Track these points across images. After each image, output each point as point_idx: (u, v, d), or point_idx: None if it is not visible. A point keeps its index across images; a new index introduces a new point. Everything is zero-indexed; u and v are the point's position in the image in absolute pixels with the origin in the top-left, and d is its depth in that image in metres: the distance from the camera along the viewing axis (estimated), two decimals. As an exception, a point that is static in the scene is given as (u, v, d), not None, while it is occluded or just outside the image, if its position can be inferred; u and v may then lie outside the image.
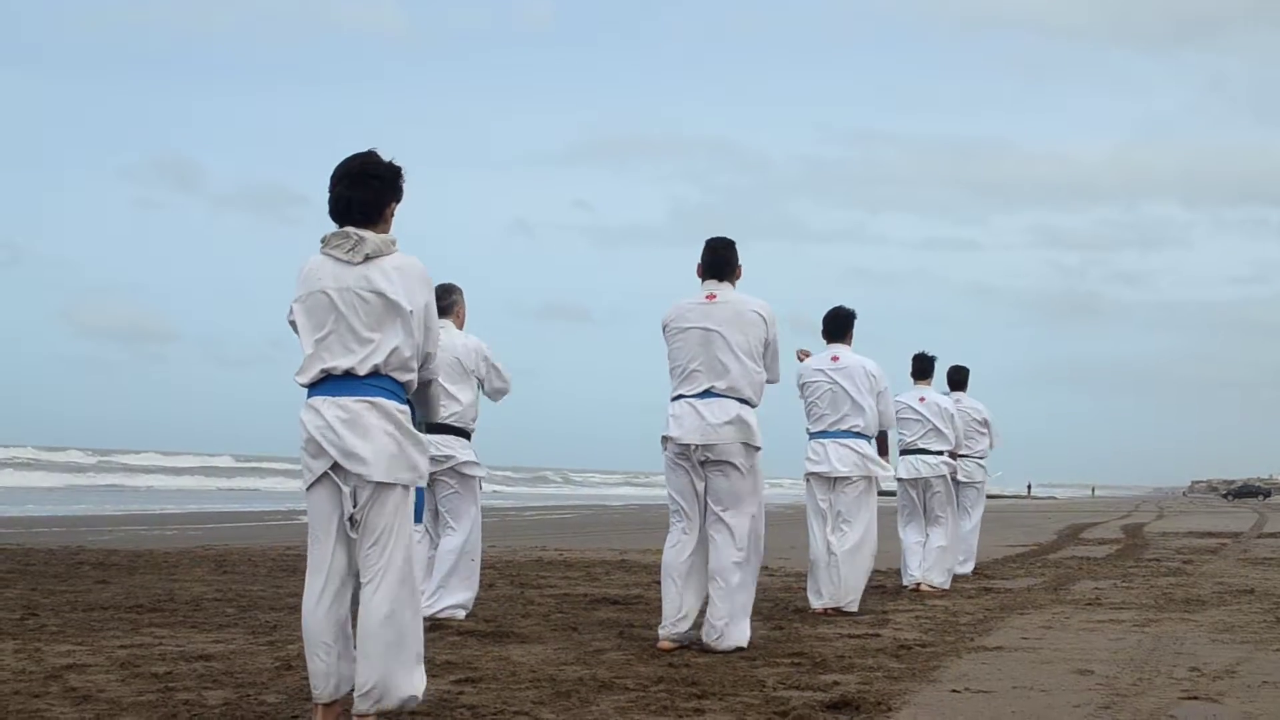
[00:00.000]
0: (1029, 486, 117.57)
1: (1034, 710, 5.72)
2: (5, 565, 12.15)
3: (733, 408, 7.16)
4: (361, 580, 4.85)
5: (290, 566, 12.55)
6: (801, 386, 9.45)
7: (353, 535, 4.83)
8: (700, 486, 7.26)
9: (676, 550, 7.32)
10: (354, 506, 4.80)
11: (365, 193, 4.90)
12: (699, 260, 7.38)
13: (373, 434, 4.78)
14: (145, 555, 13.80)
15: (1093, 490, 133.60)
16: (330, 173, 4.95)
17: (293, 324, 4.93)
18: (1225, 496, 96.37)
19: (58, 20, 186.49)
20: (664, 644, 7.25)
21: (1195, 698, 6.00)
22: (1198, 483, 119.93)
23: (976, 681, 6.39)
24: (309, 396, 4.89)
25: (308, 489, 4.91)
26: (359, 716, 4.84)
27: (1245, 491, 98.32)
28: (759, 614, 9.19)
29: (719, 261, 7.33)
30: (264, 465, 68.88)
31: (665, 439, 7.27)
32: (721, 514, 7.23)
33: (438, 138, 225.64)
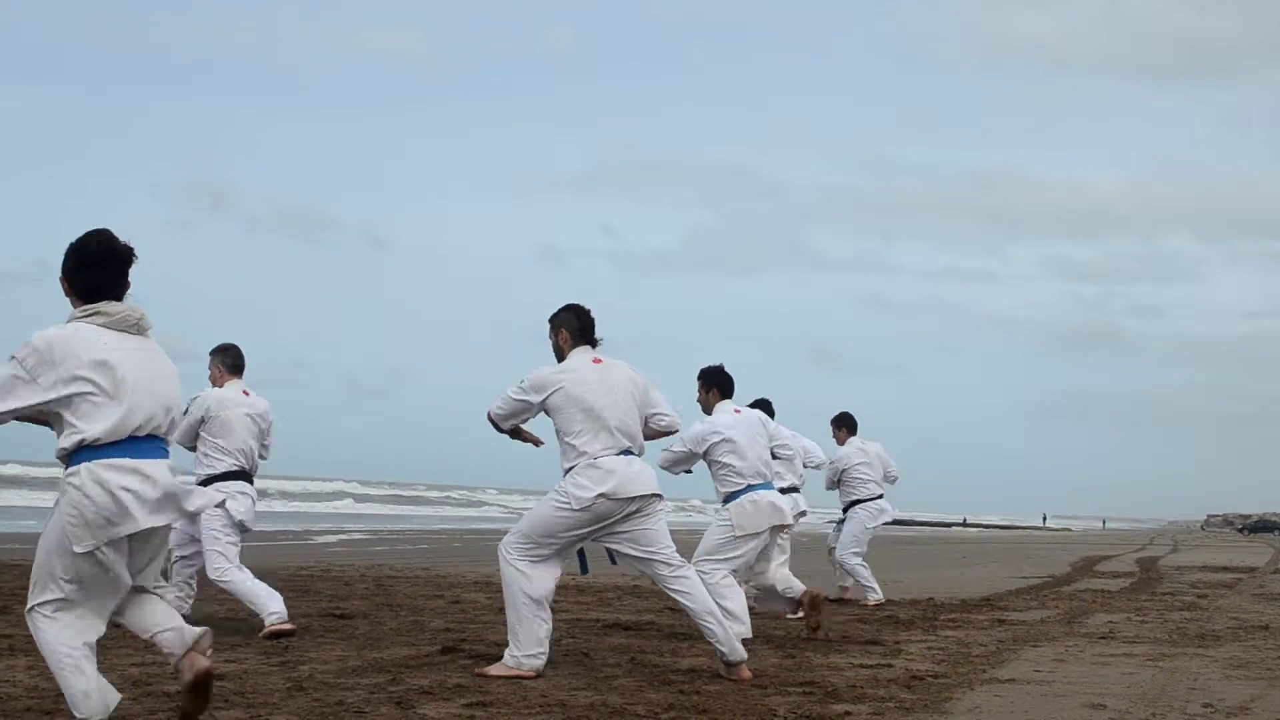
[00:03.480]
0: (1044, 517, 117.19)
1: (1046, 744, 5.70)
2: (18, 582, 12.18)
3: (644, 463, 7.49)
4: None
5: (302, 587, 12.56)
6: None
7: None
8: (589, 535, 7.36)
9: (544, 585, 7.32)
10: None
11: (125, 274, 5.28)
12: (563, 327, 7.54)
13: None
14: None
15: (1103, 522, 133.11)
16: (88, 246, 5.22)
17: (71, 396, 5.04)
18: (1241, 531, 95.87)
19: (94, 39, 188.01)
20: (530, 672, 7.18)
21: (1208, 734, 5.97)
22: (1213, 516, 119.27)
23: (988, 714, 6.37)
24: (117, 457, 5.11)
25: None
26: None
27: (1261, 526, 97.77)
28: (770, 642, 9.19)
29: (592, 327, 7.58)
30: (274, 485, 68.63)
31: (601, 496, 7.22)
32: (671, 557, 7.40)
33: (465, 161, 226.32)
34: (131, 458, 5.08)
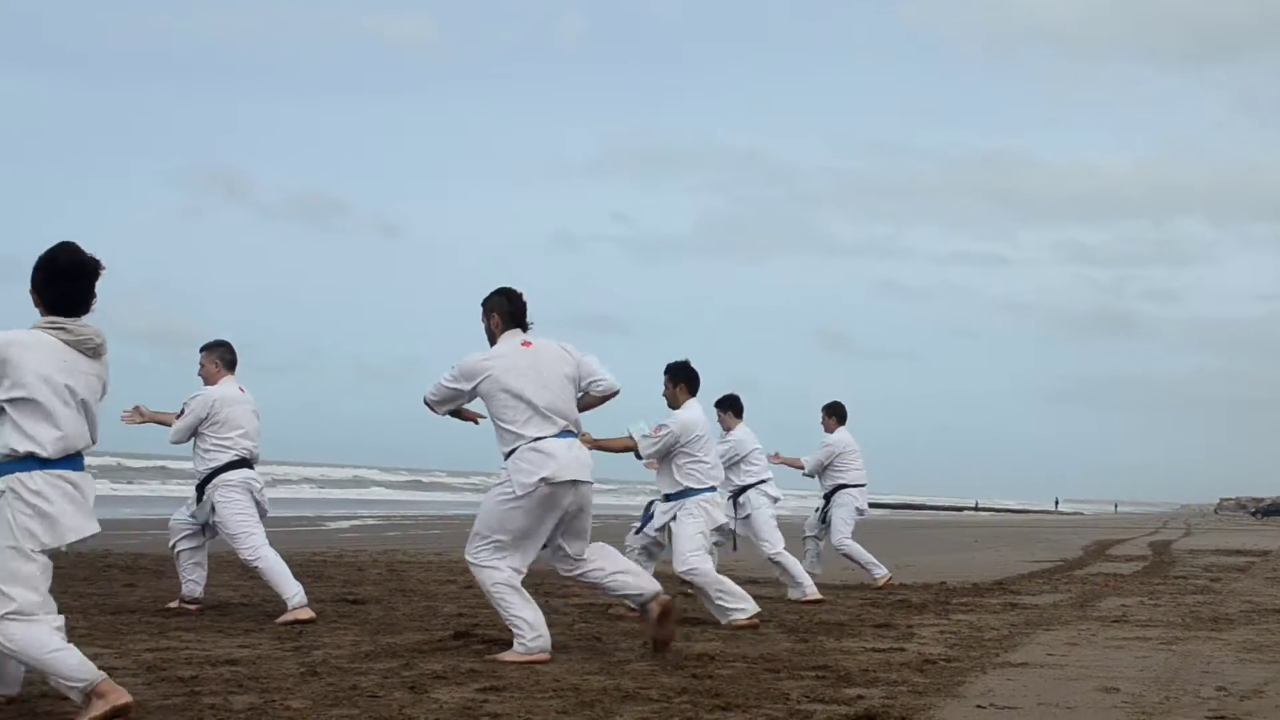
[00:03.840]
0: (1056, 501, 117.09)
1: (1059, 727, 5.70)
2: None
3: (582, 446, 7.57)
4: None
5: (316, 572, 12.60)
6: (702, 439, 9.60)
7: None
8: (547, 527, 7.43)
9: (517, 572, 7.43)
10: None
11: (93, 287, 5.37)
12: (495, 311, 7.57)
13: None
14: (172, 559, 13.86)
15: (1115, 506, 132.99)
16: (59, 260, 5.29)
17: (22, 400, 5.19)
18: (1254, 514, 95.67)
19: (105, 28, 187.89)
20: (541, 655, 7.26)
21: (1222, 717, 5.96)
22: (1227, 500, 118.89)
23: (1001, 698, 6.37)
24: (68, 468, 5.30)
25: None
26: None
27: (1275, 509, 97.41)
28: (783, 626, 9.19)
29: (524, 310, 7.62)
30: (297, 472, 68.43)
31: (543, 480, 7.29)
32: (582, 549, 7.57)
33: (476, 148, 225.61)
34: (73, 471, 5.29)
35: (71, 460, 5.28)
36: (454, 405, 7.62)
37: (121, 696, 5.13)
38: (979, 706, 6.14)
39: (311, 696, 5.93)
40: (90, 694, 5.12)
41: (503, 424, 7.40)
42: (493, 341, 7.58)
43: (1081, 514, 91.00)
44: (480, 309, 7.65)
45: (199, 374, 9.45)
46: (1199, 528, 44.61)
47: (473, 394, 7.50)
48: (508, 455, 7.39)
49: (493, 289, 7.64)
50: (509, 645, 7.36)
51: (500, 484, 7.42)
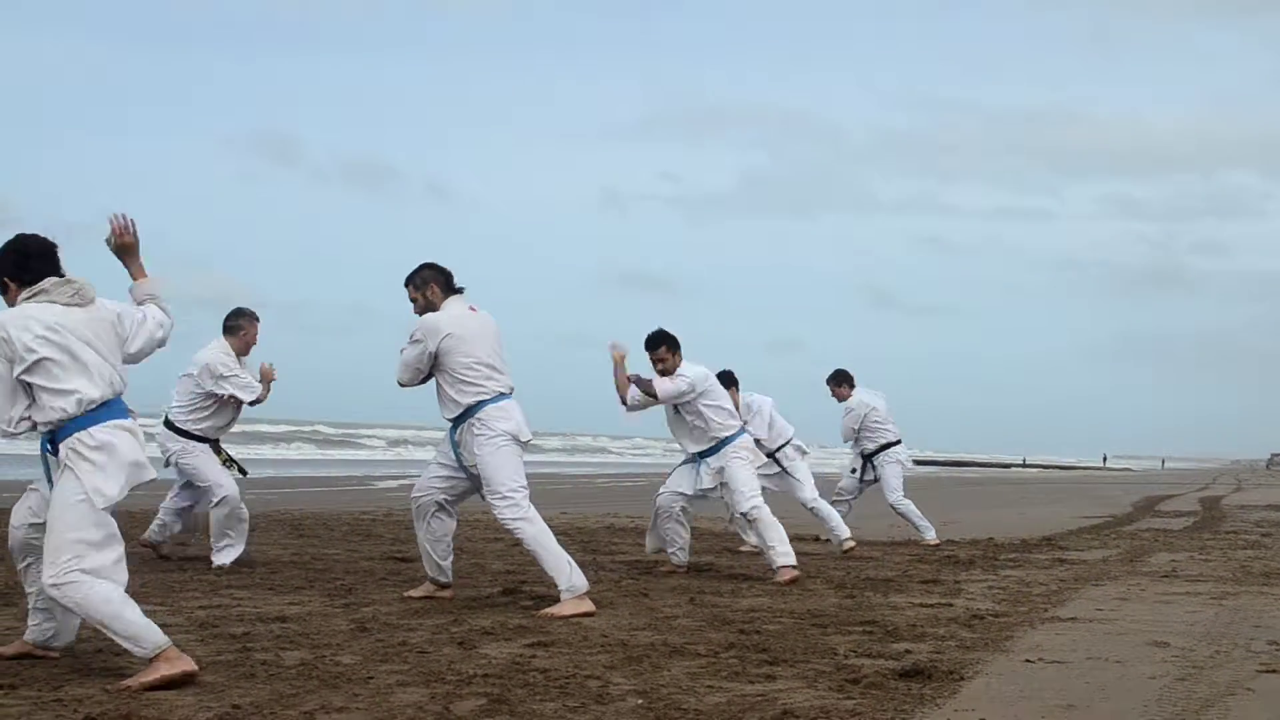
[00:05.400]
0: (1104, 457, 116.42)
1: (1108, 681, 5.68)
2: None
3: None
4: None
5: (365, 531, 12.69)
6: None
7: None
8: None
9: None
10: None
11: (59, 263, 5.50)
12: (431, 282, 7.73)
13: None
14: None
15: (1162, 462, 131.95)
16: (28, 245, 5.47)
17: (41, 367, 5.25)
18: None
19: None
20: (588, 597, 7.52)
21: (1273, 671, 5.92)
22: (1278, 455, 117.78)
23: (1050, 652, 6.35)
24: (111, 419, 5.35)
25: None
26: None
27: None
28: (830, 582, 9.19)
29: (453, 277, 7.82)
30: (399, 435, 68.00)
31: (519, 438, 7.70)
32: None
33: (525, 109, 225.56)
34: (123, 419, 5.36)
35: (113, 406, 5.33)
36: (422, 367, 7.67)
37: (187, 664, 5.19)
38: (1027, 661, 6.12)
39: (361, 652, 5.99)
40: (155, 658, 5.18)
41: (464, 381, 7.62)
42: (428, 312, 7.72)
43: (1130, 470, 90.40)
44: (408, 288, 7.77)
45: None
46: (1249, 483, 44.22)
47: (435, 354, 7.61)
48: (472, 408, 7.59)
49: (417, 266, 7.80)
50: (557, 601, 7.41)
51: (495, 435, 7.59)
